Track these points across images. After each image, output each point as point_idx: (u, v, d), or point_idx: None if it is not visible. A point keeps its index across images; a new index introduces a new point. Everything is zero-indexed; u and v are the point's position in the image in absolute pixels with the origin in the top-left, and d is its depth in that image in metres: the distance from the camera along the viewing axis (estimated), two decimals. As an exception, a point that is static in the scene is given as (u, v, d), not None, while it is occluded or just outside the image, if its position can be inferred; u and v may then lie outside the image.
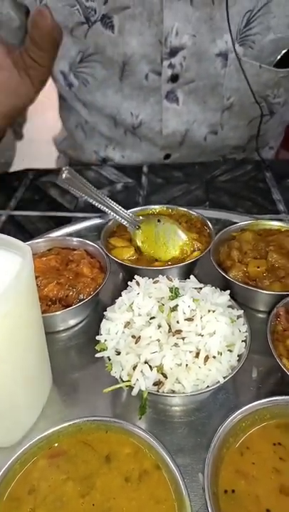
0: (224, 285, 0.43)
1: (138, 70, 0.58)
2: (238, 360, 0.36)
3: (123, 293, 0.41)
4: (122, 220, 0.50)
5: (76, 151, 0.73)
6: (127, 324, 0.38)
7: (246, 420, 0.32)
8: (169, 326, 0.37)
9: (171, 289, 0.39)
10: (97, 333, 0.38)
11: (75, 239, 0.50)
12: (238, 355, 0.37)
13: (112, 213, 0.50)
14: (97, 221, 0.55)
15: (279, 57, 0.56)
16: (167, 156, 0.67)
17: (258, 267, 0.45)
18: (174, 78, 0.58)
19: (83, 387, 0.40)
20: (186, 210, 0.54)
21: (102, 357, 0.36)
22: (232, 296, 0.41)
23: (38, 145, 1.02)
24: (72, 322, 0.45)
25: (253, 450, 0.32)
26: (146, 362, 0.35)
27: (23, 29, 0.62)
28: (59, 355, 0.42)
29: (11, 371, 0.33)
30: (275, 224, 0.51)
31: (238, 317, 0.39)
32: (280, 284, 0.44)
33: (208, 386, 0.35)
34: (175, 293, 0.39)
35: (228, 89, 0.59)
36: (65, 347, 0.44)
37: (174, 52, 0.56)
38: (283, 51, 0.56)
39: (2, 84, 0.45)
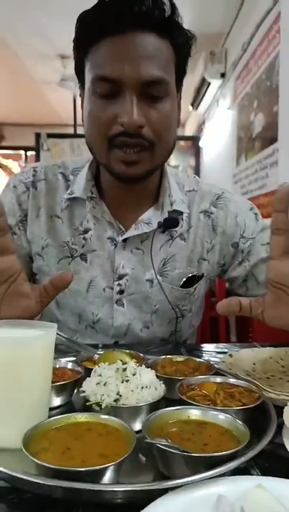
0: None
1: (99, 286, 0.94)
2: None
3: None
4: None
5: None
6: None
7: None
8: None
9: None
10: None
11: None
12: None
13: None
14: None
15: (181, 282, 0.95)
16: (116, 343, 0.95)
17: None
18: (121, 292, 0.94)
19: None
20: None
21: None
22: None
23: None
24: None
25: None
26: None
27: (28, 256, 0.96)
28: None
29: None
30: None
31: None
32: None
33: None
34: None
35: (154, 300, 0.95)
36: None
37: (120, 277, 0.93)
38: (184, 278, 0.95)
39: (21, 306, 0.65)
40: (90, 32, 0.76)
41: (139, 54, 0.73)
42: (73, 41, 0.79)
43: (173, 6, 0.74)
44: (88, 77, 0.79)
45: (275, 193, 0.58)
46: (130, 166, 0.78)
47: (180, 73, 0.83)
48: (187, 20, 0.78)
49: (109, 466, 0.38)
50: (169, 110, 0.79)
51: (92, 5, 0.75)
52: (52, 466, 0.37)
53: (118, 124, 0.75)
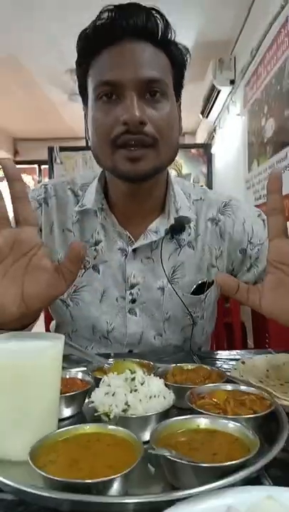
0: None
1: (111, 296, 0.94)
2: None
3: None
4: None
5: None
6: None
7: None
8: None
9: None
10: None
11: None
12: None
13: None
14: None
15: (192, 289, 0.95)
16: (130, 351, 0.95)
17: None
18: (133, 301, 0.94)
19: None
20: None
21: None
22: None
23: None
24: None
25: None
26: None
27: None
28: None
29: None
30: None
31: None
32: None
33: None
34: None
35: (166, 308, 0.94)
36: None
37: (132, 286, 0.93)
38: (194, 286, 0.95)
39: (45, 281, 0.64)
40: (90, 46, 0.79)
41: (137, 58, 0.76)
42: (76, 62, 0.84)
43: (167, 23, 0.78)
44: (90, 87, 0.81)
45: (270, 175, 0.60)
46: (136, 163, 0.79)
47: (177, 84, 0.86)
48: (195, 29, 0.81)
49: (116, 478, 0.37)
50: (169, 111, 0.81)
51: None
52: (59, 479, 0.37)
53: (121, 124, 0.76)
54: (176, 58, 0.83)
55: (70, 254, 0.65)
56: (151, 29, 0.77)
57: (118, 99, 0.77)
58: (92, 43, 0.79)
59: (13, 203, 0.63)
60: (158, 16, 0.78)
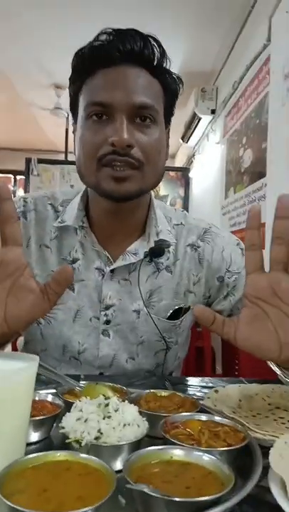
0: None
1: (85, 316, 0.92)
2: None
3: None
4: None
5: None
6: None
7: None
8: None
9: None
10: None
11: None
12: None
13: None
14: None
15: (168, 314, 0.95)
16: (101, 373, 0.93)
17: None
18: (108, 322, 0.92)
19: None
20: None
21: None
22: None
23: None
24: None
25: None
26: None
27: None
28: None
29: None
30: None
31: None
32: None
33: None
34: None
35: (140, 331, 0.93)
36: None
37: (107, 307, 0.92)
38: (170, 311, 0.95)
39: (30, 302, 0.63)
40: (86, 65, 0.80)
41: (131, 83, 0.77)
42: (69, 79, 0.84)
43: (163, 51, 0.80)
44: (82, 105, 0.82)
45: (249, 211, 0.61)
46: (120, 183, 0.79)
47: (168, 111, 0.88)
48: (180, 58, 0.83)
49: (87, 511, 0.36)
50: (157, 137, 0.82)
51: (87, 39, 0.81)
52: (26, 511, 0.35)
53: (108, 144, 0.77)
54: (169, 86, 0.84)
55: (60, 277, 0.64)
56: (147, 56, 0.78)
57: (108, 119, 0.78)
58: (88, 63, 0.80)
59: (1, 223, 0.61)
60: (155, 44, 0.79)
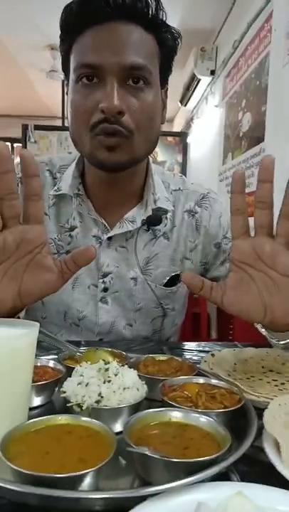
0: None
1: (84, 284, 0.93)
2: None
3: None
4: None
5: None
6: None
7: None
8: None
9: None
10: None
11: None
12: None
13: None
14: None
15: (165, 281, 0.95)
16: (100, 340, 0.94)
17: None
18: (106, 289, 0.93)
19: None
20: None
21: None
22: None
23: None
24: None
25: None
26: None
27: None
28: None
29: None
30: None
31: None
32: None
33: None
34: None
35: (138, 298, 0.94)
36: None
37: (105, 275, 0.93)
38: (167, 277, 0.95)
39: (44, 279, 0.63)
40: (74, 22, 0.75)
41: (122, 42, 0.73)
42: (60, 36, 0.79)
43: (158, 2, 0.75)
44: (72, 66, 0.78)
45: (233, 175, 0.60)
46: (111, 152, 0.77)
47: (165, 70, 0.83)
48: (178, 16, 0.78)
49: (88, 473, 0.37)
50: (151, 101, 0.78)
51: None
52: (28, 473, 0.36)
53: (99, 111, 0.74)
54: (166, 42, 0.79)
55: (82, 256, 0.64)
56: (140, 8, 0.73)
57: (99, 82, 0.74)
58: (76, 20, 0.74)
59: (26, 199, 0.60)
60: None
